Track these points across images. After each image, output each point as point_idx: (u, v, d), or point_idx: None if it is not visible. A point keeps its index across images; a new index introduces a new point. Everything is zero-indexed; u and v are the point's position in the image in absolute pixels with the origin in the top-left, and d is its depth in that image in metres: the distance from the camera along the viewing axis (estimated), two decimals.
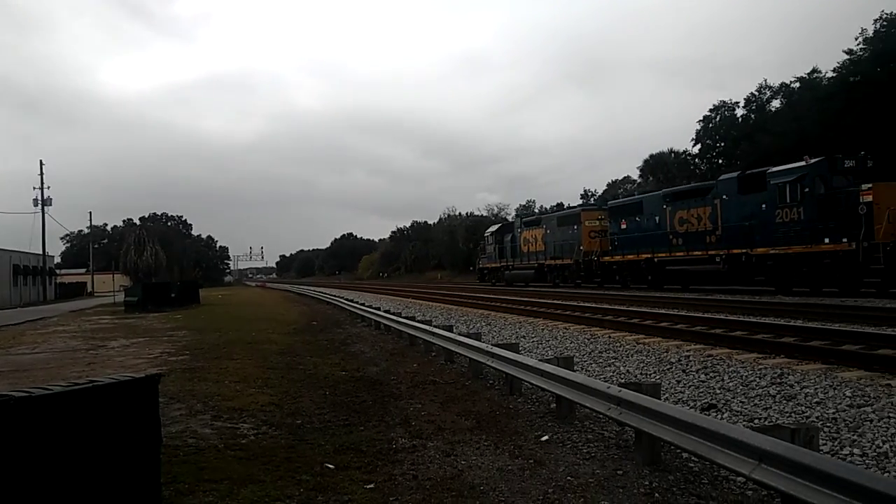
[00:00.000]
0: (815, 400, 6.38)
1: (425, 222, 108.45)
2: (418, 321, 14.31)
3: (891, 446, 4.96)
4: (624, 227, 29.66)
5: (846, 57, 34.95)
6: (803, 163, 20.14)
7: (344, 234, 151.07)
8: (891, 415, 5.60)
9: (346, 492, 4.73)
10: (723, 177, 25.03)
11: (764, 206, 21.31)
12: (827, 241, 18.89)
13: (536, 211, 67.93)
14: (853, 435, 5.32)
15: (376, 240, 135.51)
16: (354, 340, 15.16)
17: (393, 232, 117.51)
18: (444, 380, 9.34)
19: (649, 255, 27.05)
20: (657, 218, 27.24)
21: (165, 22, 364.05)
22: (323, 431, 6.61)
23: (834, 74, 36.52)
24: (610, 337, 12.06)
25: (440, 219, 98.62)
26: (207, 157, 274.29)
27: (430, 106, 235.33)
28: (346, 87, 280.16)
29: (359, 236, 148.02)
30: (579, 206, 39.15)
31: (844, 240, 18.26)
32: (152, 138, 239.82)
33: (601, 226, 32.90)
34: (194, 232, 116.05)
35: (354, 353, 12.90)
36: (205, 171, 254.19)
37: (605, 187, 67.17)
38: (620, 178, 66.45)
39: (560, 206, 54.26)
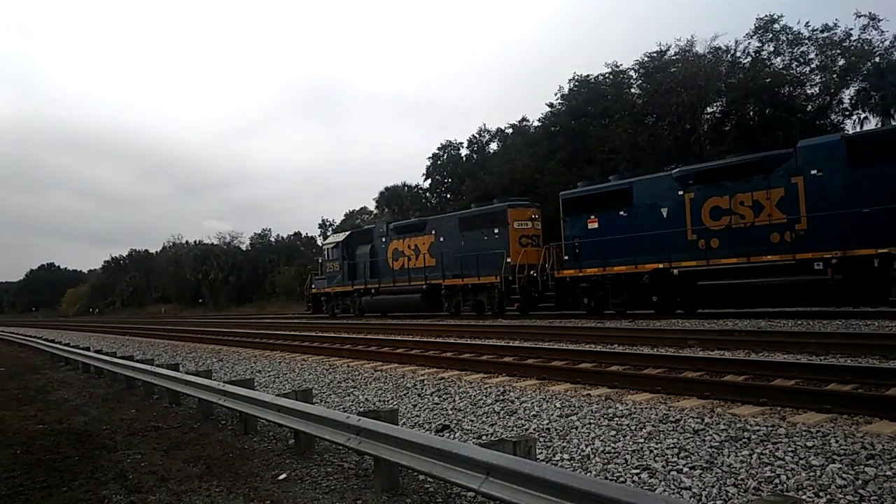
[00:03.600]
0: (532, 413, 7.05)
1: (146, 251, 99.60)
2: (137, 360, 12.88)
3: (592, 449, 5.66)
4: (595, 226, 20.42)
5: (548, 109, 40.32)
6: None
7: (42, 265, 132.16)
8: (591, 422, 6.42)
9: None
10: (805, 142, 16.82)
11: None
12: None
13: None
14: (563, 442, 5.97)
15: (85, 271, 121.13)
16: (56, 387, 13.08)
17: (106, 262, 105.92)
18: (169, 424, 8.48)
19: (661, 265, 18.46)
20: (665, 210, 18.67)
21: None
22: (13, 499, 5.54)
23: (539, 123, 41.92)
24: (348, 366, 12.12)
25: (164, 247, 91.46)
26: None
27: (146, 125, 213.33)
28: (36, 95, 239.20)
29: (62, 267, 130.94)
30: (506, 201, 25.44)
31: None
32: None
33: (534, 229, 23.99)
34: None
35: (56, 402, 11.12)
36: None
37: (342, 217, 68.43)
38: (357, 208, 68.29)
39: (298, 234, 51.38)
